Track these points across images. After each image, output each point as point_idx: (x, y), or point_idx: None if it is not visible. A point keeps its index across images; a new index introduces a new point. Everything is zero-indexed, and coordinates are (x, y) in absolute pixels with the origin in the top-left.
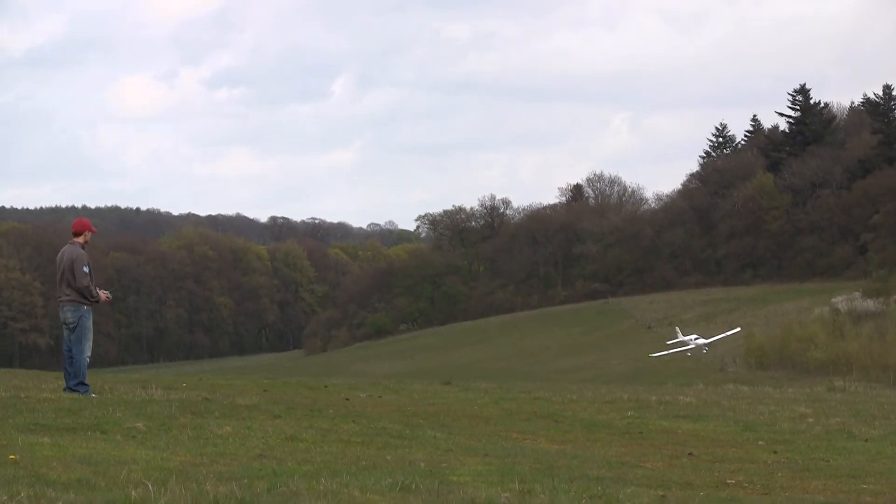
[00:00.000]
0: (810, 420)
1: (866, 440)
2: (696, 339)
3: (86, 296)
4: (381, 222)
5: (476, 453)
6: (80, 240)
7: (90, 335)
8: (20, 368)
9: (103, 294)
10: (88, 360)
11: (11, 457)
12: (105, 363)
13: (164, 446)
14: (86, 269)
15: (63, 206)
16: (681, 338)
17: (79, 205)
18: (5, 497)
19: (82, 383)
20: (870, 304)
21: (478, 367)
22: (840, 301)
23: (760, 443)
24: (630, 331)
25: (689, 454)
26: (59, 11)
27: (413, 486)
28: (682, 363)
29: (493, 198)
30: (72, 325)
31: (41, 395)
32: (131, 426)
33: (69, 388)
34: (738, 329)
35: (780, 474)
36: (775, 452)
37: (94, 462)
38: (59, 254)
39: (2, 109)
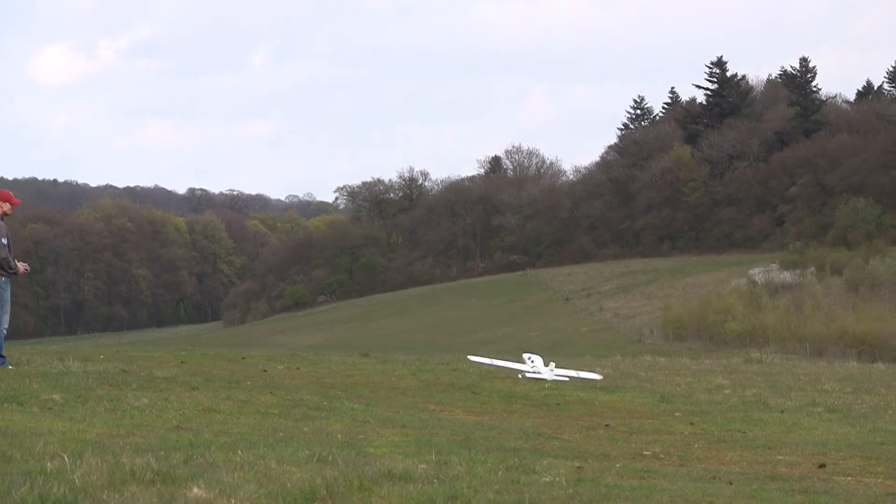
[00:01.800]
0: (727, 391)
1: (782, 411)
2: (537, 365)
3: (3, 267)
4: (300, 194)
5: (394, 425)
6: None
7: (8, 307)
8: None
9: (21, 266)
10: (6, 332)
11: None
12: (23, 335)
13: (80, 418)
14: (4, 241)
15: None
16: (514, 363)
17: None
18: None
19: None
20: (786, 276)
21: (397, 339)
22: (757, 273)
23: (677, 414)
24: (548, 302)
25: (606, 425)
26: None
27: (330, 458)
28: (599, 335)
29: (411, 170)
30: None
31: None
32: (48, 398)
33: None
34: (599, 376)
35: (696, 445)
36: (692, 424)
37: (9, 434)
38: None
39: None
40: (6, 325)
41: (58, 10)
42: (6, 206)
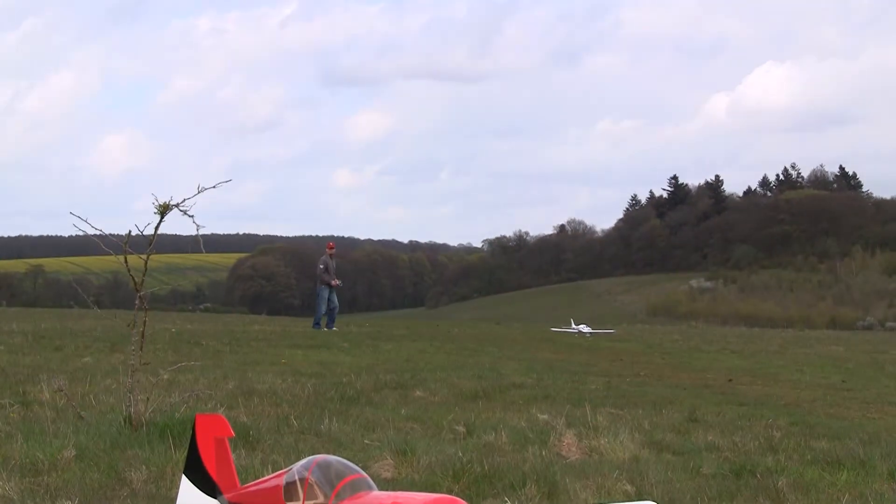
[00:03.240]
0: (680, 342)
1: (709, 352)
2: (583, 328)
3: (325, 282)
4: (465, 241)
5: (513, 359)
6: None
7: (323, 304)
8: None
9: (335, 282)
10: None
11: (283, 360)
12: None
13: (357, 355)
14: (322, 267)
15: None
16: (572, 326)
17: None
18: (290, 380)
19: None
20: (708, 284)
21: (516, 316)
22: (693, 282)
23: (656, 354)
24: (588, 297)
25: (620, 360)
26: None
27: (482, 375)
28: (615, 313)
29: (520, 230)
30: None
31: (296, 329)
32: (341, 345)
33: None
34: (613, 330)
35: (666, 370)
36: (663, 358)
37: (324, 363)
38: None
39: None
40: (322, 311)
41: None
42: (331, 252)
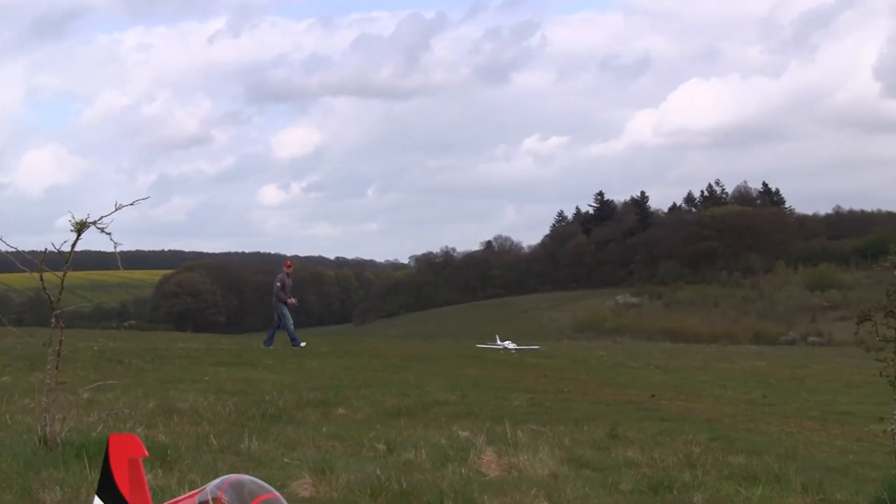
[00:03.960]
0: (605, 358)
1: (633, 367)
2: (508, 344)
3: (280, 299)
4: (392, 258)
5: (439, 375)
6: None
7: (282, 320)
8: None
9: (291, 300)
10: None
11: (205, 378)
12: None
13: (282, 372)
14: (278, 285)
15: None
16: (498, 342)
17: None
18: (212, 398)
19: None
20: (634, 300)
21: (442, 332)
22: (619, 298)
23: (581, 370)
24: (514, 314)
25: (545, 376)
26: None
27: (406, 393)
28: (541, 329)
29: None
30: None
31: (221, 346)
32: (265, 363)
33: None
34: (539, 346)
35: (590, 386)
36: (588, 374)
37: (247, 381)
38: None
39: None
40: (291, 322)
41: None
42: (288, 270)
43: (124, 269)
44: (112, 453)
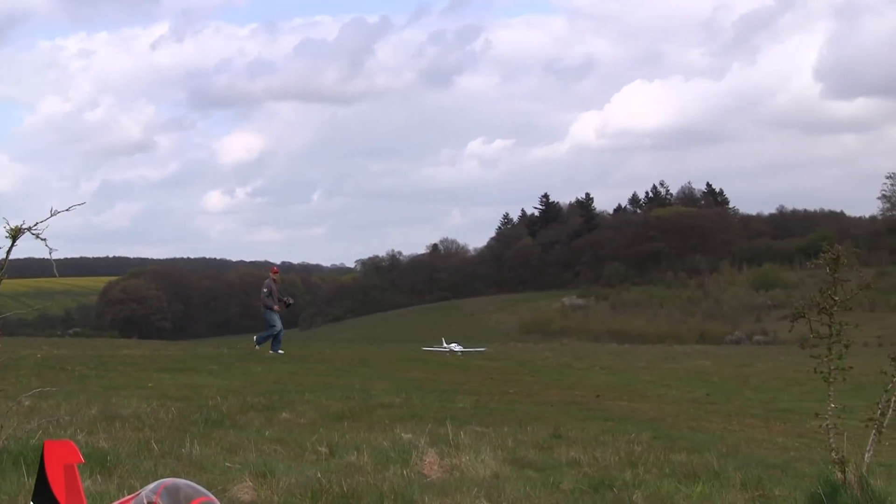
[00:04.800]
0: (551, 359)
1: (579, 369)
2: (454, 346)
3: (266, 305)
4: (339, 262)
5: (383, 379)
6: None
7: (273, 326)
8: None
9: (277, 306)
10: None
11: (149, 384)
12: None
13: (227, 377)
14: (265, 290)
15: None
16: (444, 345)
17: None
18: (155, 404)
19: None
20: (580, 301)
21: (388, 336)
22: (566, 300)
23: (526, 371)
24: (461, 316)
25: (491, 378)
26: None
27: (351, 396)
28: (487, 332)
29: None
30: None
31: (166, 352)
32: (210, 368)
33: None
34: (485, 349)
35: (536, 388)
36: (533, 376)
37: (192, 387)
38: None
39: None
40: (279, 327)
41: None
42: (274, 276)
43: (69, 276)
44: (47, 459)
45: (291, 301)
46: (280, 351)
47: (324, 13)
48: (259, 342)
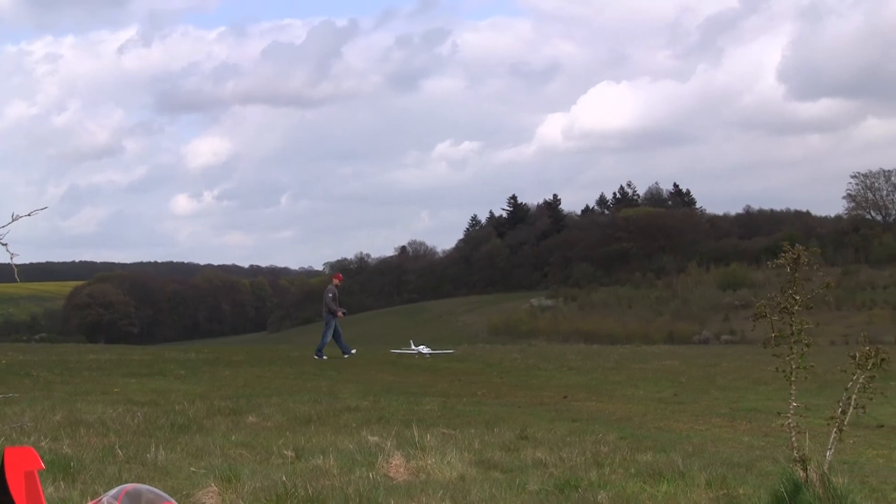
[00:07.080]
0: (519, 360)
1: (547, 370)
2: (422, 348)
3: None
4: (307, 265)
5: (352, 382)
6: None
7: (329, 331)
8: None
9: (339, 311)
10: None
11: (115, 390)
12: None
13: (194, 382)
14: (329, 296)
15: None
16: (412, 347)
17: None
18: (121, 409)
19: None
20: (549, 302)
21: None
22: (534, 301)
23: (494, 373)
24: (431, 318)
25: (459, 380)
26: None
27: (319, 400)
28: (456, 333)
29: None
30: None
31: (133, 357)
32: (177, 373)
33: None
34: (453, 350)
35: (503, 389)
36: (501, 377)
37: (158, 391)
38: None
39: None
40: (328, 338)
41: None
42: (338, 282)
43: (36, 281)
44: (8, 467)
45: (343, 313)
46: (324, 357)
47: (292, 16)
48: (318, 352)
